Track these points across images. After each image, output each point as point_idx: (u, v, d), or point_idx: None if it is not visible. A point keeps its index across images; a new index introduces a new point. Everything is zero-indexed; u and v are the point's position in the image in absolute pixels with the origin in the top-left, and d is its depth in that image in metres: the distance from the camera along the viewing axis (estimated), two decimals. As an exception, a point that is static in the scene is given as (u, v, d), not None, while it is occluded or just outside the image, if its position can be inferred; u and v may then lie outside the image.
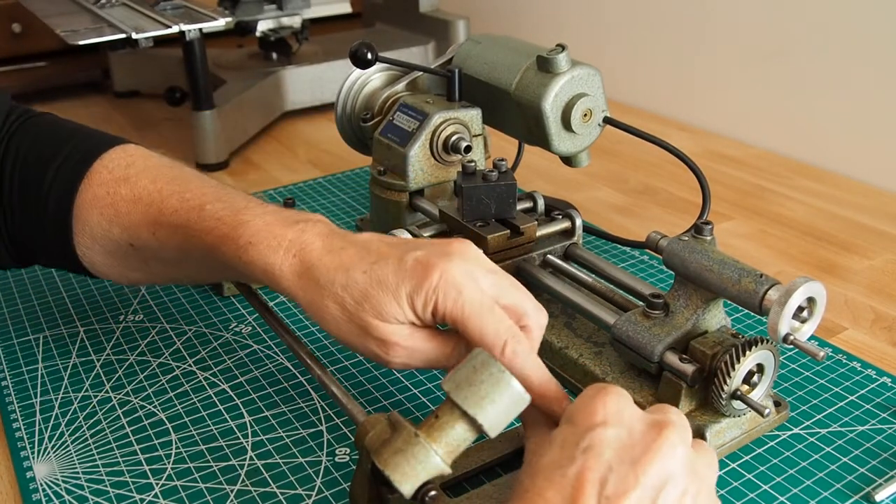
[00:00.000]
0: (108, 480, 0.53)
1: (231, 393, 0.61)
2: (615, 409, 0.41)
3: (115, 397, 0.61)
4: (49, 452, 0.55)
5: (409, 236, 0.62)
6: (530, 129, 0.73)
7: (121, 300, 0.73)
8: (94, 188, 0.57)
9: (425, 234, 0.65)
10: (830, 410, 0.58)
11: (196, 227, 0.54)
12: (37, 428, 0.58)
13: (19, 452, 0.55)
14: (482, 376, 0.41)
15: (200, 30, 0.97)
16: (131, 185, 0.57)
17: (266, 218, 0.52)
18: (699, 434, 0.53)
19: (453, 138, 0.75)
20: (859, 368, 0.62)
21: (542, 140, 0.72)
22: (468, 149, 0.75)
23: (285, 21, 1.22)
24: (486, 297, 0.48)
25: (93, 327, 0.70)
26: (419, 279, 0.47)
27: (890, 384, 0.60)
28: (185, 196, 0.55)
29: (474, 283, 0.48)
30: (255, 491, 0.52)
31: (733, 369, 0.50)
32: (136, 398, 0.61)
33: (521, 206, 0.69)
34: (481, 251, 0.51)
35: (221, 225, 0.52)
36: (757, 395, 0.53)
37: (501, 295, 0.49)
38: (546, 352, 0.62)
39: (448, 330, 0.50)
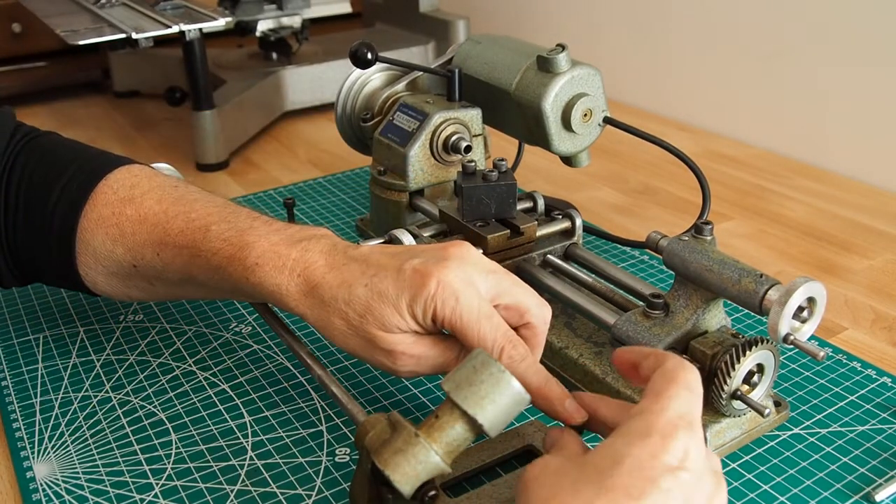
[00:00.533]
0: (108, 480, 0.53)
1: (231, 393, 0.61)
2: (694, 452, 0.38)
3: (115, 397, 0.61)
4: (49, 452, 0.55)
5: (409, 237, 0.62)
6: (530, 129, 0.73)
7: (121, 300, 0.73)
8: (100, 208, 0.57)
9: (425, 234, 0.65)
10: (830, 410, 0.58)
11: (202, 247, 0.54)
12: (37, 428, 0.58)
13: (19, 452, 0.55)
14: (482, 376, 0.41)
15: (200, 30, 0.97)
16: (136, 206, 0.57)
17: (271, 238, 0.53)
18: (699, 434, 0.53)
19: (453, 138, 0.75)
20: (859, 368, 0.62)
21: (542, 140, 0.72)
22: (468, 149, 0.75)
23: (285, 21, 1.22)
24: (483, 302, 0.48)
25: (93, 327, 0.70)
26: (417, 288, 0.48)
27: (890, 384, 0.60)
28: (190, 216, 0.56)
29: (472, 288, 0.48)
30: (255, 491, 0.52)
31: (733, 369, 0.50)
32: (136, 398, 0.61)
33: (521, 206, 0.69)
34: (480, 252, 0.51)
35: (228, 246, 0.53)
36: (757, 395, 0.53)
37: (502, 294, 0.49)
38: (546, 352, 0.62)
39: (452, 335, 0.50)
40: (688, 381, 0.40)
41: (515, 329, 0.50)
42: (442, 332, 0.51)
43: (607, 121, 0.72)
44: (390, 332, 0.49)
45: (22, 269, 0.61)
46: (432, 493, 0.41)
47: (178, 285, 0.58)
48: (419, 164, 0.75)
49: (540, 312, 0.51)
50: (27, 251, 0.60)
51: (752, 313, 0.60)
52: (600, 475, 0.37)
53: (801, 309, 0.50)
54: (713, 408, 0.53)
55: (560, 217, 0.68)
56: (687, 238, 0.54)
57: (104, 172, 0.59)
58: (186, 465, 0.54)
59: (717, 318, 0.54)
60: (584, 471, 0.38)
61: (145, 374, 0.63)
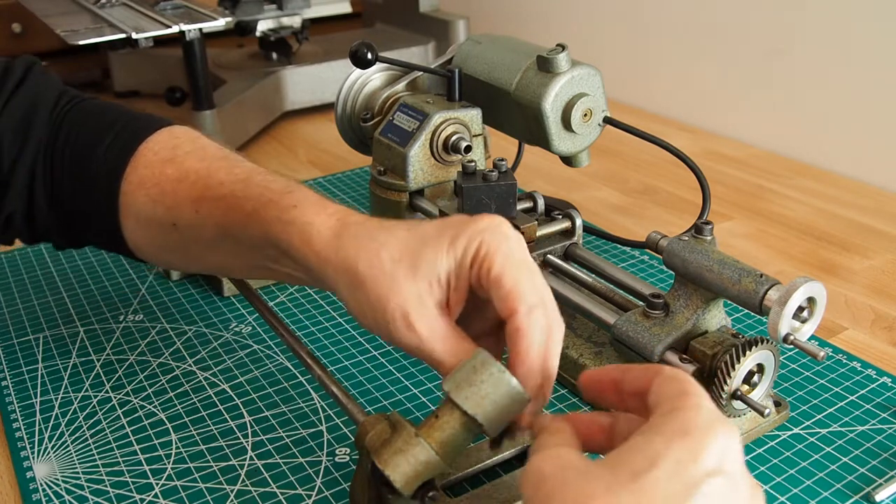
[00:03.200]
0: (108, 480, 0.53)
1: (231, 393, 0.61)
2: (733, 453, 0.36)
3: (115, 397, 0.61)
4: (49, 452, 0.55)
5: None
6: (530, 129, 0.73)
7: (121, 300, 0.73)
8: (140, 170, 0.57)
9: (425, 234, 0.65)
10: (830, 410, 0.58)
11: (240, 194, 0.52)
12: (37, 428, 0.58)
13: (19, 452, 0.55)
14: (482, 376, 0.41)
15: (200, 30, 0.97)
16: (177, 166, 0.56)
17: (318, 194, 0.51)
18: (699, 434, 0.53)
19: (453, 138, 0.75)
20: (859, 368, 0.62)
21: (542, 140, 0.72)
22: (468, 149, 0.75)
23: (285, 21, 1.22)
24: (530, 259, 0.45)
25: (93, 327, 0.70)
26: (464, 226, 0.45)
27: (890, 384, 0.60)
28: (233, 171, 0.55)
29: (521, 242, 0.45)
30: (255, 491, 0.52)
31: (733, 369, 0.50)
32: (136, 398, 0.61)
33: (521, 206, 0.69)
34: None
35: (268, 192, 0.51)
36: (757, 395, 0.53)
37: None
38: (546, 352, 0.62)
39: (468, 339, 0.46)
40: (696, 386, 0.38)
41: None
42: (463, 333, 0.46)
43: (607, 121, 0.72)
44: (418, 284, 0.44)
45: (71, 231, 0.61)
46: (432, 493, 0.41)
47: (212, 246, 0.56)
48: (419, 164, 0.75)
49: (558, 325, 0.46)
50: (74, 214, 0.60)
51: (752, 313, 0.60)
52: (636, 479, 0.34)
53: (801, 309, 0.50)
54: (713, 408, 0.53)
55: (560, 217, 0.68)
56: (687, 238, 0.54)
57: (146, 134, 0.59)
58: (186, 465, 0.54)
59: (717, 318, 0.54)
60: (617, 474, 0.34)
61: (145, 374, 0.63)
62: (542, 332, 0.43)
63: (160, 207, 0.56)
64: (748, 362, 0.51)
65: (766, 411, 0.50)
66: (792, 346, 0.49)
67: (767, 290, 0.49)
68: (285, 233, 0.49)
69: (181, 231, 0.56)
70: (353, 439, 0.56)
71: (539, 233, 0.66)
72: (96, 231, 0.60)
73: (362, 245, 0.45)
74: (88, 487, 0.52)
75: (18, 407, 0.60)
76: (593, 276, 0.64)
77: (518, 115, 0.73)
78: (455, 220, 0.46)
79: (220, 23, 0.97)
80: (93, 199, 0.58)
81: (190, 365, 0.64)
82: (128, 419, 0.58)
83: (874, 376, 0.61)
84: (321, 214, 0.48)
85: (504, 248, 0.44)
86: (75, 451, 0.55)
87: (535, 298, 0.43)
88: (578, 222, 0.68)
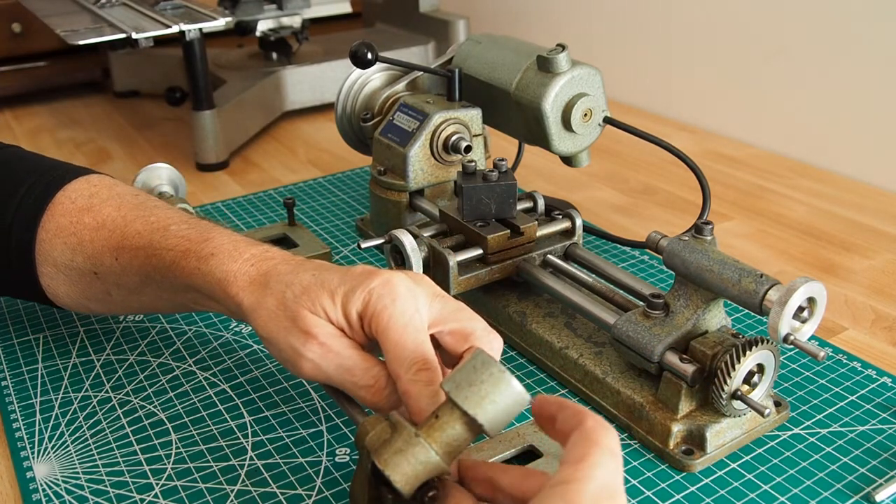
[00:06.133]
0: (108, 480, 0.53)
1: (231, 393, 0.61)
2: None
3: (115, 397, 0.61)
4: (49, 452, 0.55)
5: (409, 237, 0.62)
6: (530, 129, 0.73)
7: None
8: (58, 219, 0.57)
9: (425, 235, 0.65)
10: (830, 410, 0.58)
11: (159, 245, 0.54)
12: (37, 428, 0.58)
13: (19, 452, 0.55)
14: (482, 376, 0.41)
15: (200, 30, 0.97)
16: (94, 214, 0.57)
17: (233, 237, 0.53)
18: (699, 434, 0.53)
19: (453, 138, 0.75)
20: (859, 368, 0.62)
21: (542, 140, 0.72)
22: (468, 149, 0.75)
23: (285, 21, 1.22)
24: (418, 316, 0.47)
25: (93, 327, 0.70)
26: (360, 281, 0.47)
27: (890, 384, 0.60)
28: (149, 220, 0.56)
29: (413, 300, 0.47)
30: (255, 491, 0.52)
31: (733, 369, 0.50)
32: (136, 398, 0.61)
33: (521, 206, 0.69)
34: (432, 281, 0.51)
35: (185, 241, 0.53)
36: (757, 395, 0.53)
37: (447, 319, 0.48)
38: (546, 352, 0.62)
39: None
40: (609, 445, 0.38)
41: (459, 354, 0.49)
42: (368, 348, 0.49)
43: (607, 121, 0.72)
44: (316, 314, 0.48)
45: None
46: (432, 493, 0.41)
47: (135, 292, 0.58)
48: (419, 164, 0.75)
49: (486, 336, 0.49)
50: None
51: (752, 313, 0.60)
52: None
53: (801, 309, 0.50)
54: (713, 408, 0.53)
55: (560, 217, 0.68)
56: (687, 238, 0.54)
57: (62, 183, 0.59)
58: (186, 465, 0.54)
59: (717, 318, 0.54)
60: None
61: (145, 374, 0.63)
62: (428, 396, 0.45)
63: (79, 256, 0.57)
64: (748, 362, 0.51)
65: (766, 411, 0.50)
66: (792, 346, 0.49)
67: (767, 290, 0.49)
68: (206, 282, 0.52)
69: (102, 278, 0.58)
70: (353, 439, 0.56)
71: (539, 233, 0.66)
72: (10, 280, 0.60)
73: (273, 289, 0.49)
74: (88, 487, 0.52)
75: (18, 407, 0.60)
76: (593, 276, 0.64)
77: (518, 115, 0.73)
78: (356, 273, 0.48)
79: (220, 23, 0.97)
80: (6, 248, 0.58)
81: (190, 365, 0.65)
82: (128, 419, 0.58)
83: (874, 376, 0.61)
84: (238, 261, 0.51)
85: (388, 310, 0.46)
86: (75, 451, 0.55)
87: (419, 355, 0.46)
88: (578, 222, 0.68)
